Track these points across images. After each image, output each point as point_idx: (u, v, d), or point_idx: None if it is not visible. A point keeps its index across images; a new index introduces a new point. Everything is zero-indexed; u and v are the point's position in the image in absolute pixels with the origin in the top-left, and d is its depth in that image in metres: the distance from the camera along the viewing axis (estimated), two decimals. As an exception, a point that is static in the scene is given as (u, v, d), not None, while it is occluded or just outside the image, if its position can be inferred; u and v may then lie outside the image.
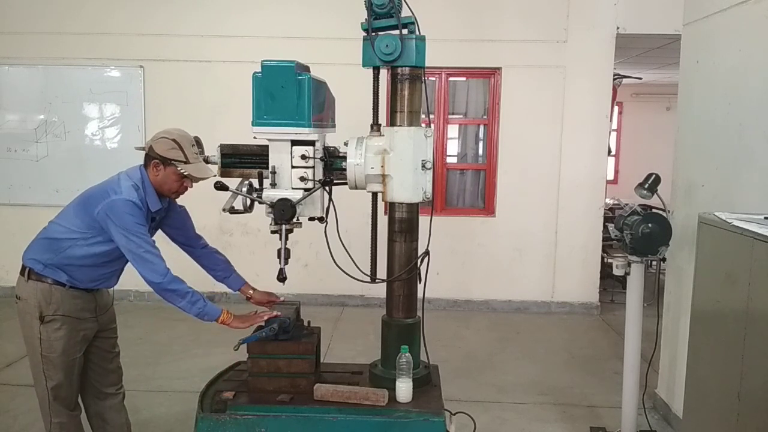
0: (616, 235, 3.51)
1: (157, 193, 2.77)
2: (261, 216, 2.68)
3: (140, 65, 6.50)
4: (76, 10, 6.48)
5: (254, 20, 6.39)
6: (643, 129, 12.08)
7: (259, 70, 2.50)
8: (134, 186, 2.70)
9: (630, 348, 3.57)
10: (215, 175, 2.75)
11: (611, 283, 7.03)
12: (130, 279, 2.94)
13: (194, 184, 2.81)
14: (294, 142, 2.56)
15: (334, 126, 2.92)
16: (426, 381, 2.76)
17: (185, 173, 2.68)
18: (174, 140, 2.68)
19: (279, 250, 2.64)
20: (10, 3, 6.51)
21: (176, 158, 2.66)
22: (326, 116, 2.76)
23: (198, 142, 2.88)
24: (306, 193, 2.57)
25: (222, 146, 2.75)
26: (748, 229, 2.33)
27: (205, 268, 3.11)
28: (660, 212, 3.46)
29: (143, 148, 2.78)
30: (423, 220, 2.78)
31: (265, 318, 2.71)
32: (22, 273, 2.80)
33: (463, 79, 6.75)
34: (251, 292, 3.04)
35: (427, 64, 2.65)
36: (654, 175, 3.50)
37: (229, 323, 2.70)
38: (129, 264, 2.74)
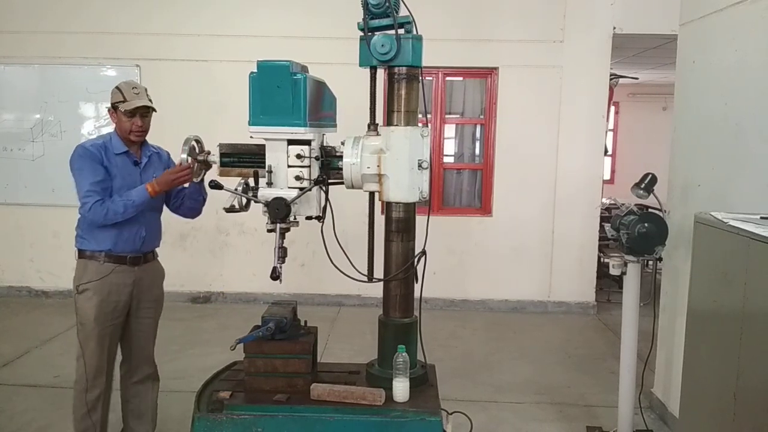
0: (612, 235, 3.52)
1: (127, 142, 3.05)
2: (258, 215, 2.68)
3: (137, 64, 6.48)
4: (72, 10, 6.47)
5: (252, 20, 6.38)
6: (640, 129, 12.10)
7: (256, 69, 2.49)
8: (98, 137, 3.08)
9: (626, 347, 3.57)
10: (151, 101, 3.00)
11: (608, 283, 7.05)
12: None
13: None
14: (290, 142, 2.55)
15: (334, 125, 2.91)
16: (423, 381, 2.76)
17: (123, 110, 2.96)
18: (117, 87, 3.00)
19: (275, 249, 2.63)
20: (6, 2, 6.49)
21: (117, 100, 2.97)
22: (325, 116, 2.75)
23: (198, 142, 2.89)
24: (300, 192, 2.57)
25: (221, 145, 2.75)
26: (744, 228, 2.33)
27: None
28: (656, 212, 3.47)
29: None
30: (420, 220, 2.78)
31: (183, 168, 2.84)
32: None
33: (460, 78, 6.75)
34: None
35: (424, 64, 2.64)
36: (650, 175, 3.50)
37: (160, 188, 2.91)
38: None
